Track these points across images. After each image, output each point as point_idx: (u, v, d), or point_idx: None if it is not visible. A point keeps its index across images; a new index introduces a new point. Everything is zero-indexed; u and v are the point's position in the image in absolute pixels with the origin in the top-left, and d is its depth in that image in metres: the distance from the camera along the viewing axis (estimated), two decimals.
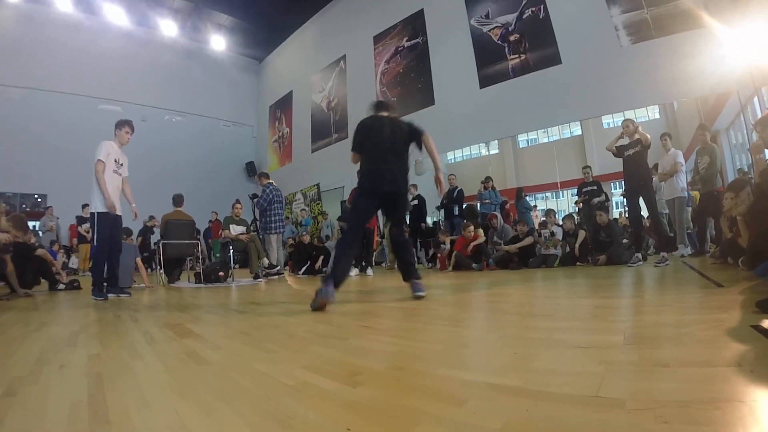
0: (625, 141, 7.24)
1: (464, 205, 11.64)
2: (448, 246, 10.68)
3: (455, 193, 11.48)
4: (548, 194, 17.49)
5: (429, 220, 13.84)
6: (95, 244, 6.31)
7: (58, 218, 15.93)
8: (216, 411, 1.37)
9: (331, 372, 1.79)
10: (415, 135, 4.68)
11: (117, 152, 6.43)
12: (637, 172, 6.96)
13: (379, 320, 3.18)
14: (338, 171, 10.74)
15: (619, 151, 7.27)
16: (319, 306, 3.74)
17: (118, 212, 6.36)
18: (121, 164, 6.50)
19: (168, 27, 20.83)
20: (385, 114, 4.82)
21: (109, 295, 6.16)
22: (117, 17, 19.63)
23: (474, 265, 9.06)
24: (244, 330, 3.01)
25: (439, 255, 10.71)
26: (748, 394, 1.25)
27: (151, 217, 13.51)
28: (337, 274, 4.08)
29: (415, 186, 12.26)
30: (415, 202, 11.84)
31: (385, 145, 4.54)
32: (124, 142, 6.56)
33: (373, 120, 4.76)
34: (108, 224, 6.23)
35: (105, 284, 6.25)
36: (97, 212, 6.14)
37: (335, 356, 2.13)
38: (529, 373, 1.63)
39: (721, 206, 6.73)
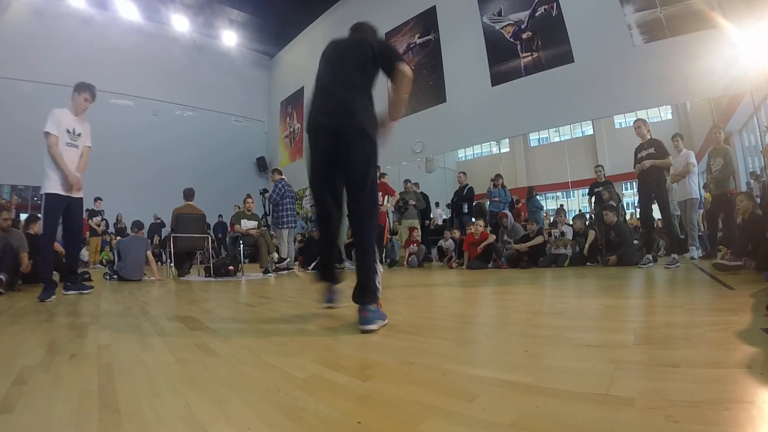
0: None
1: (474, 203, 11.63)
2: (450, 242, 10.71)
3: (465, 191, 11.46)
4: (559, 194, 17.42)
5: (439, 219, 13.81)
6: (42, 231, 5.37)
7: (88, 210, 16.01)
8: (226, 402, 1.38)
9: (342, 366, 1.81)
10: (384, 61, 3.24)
11: (71, 121, 5.57)
12: (651, 173, 6.91)
13: (389, 315, 3.18)
14: None
15: (636, 158, 7.21)
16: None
17: (77, 195, 5.49)
18: (78, 134, 5.60)
19: (179, 22, 20.77)
20: (350, 35, 3.72)
21: (70, 292, 5.52)
22: (128, 12, 19.63)
23: (489, 265, 9.07)
24: (254, 323, 3.03)
25: (446, 249, 10.76)
26: (758, 395, 1.26)
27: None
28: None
29: (416, 184, 12.26)
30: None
31: (332, 69, 3.36)
32: (80, 111, 5.73)
33: (330, 44, 3.62)
34: (59, 208, 5.33)
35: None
36: (46, 193, 5.23)
37: (345, 350, 2.15)
38: (539, 370, 1.64)
39: (734, 208, 6.71)
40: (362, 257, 2.88)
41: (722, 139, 8.18)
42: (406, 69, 3.13)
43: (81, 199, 5.61)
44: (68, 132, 5.46)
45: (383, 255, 10.44)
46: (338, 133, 2.94)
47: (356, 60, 3.20)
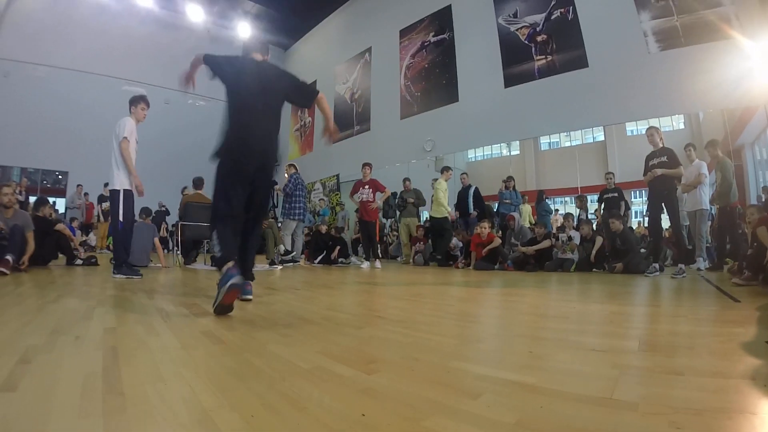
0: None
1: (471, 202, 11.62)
2: (456, 241, 10.73)
3: (469, 192, 11.45)
4: (568, 199, 17.36)
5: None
6: (121, 221, 6.15)
7: (87, 194, 16.07)
8: (230, 389, 1.39)
9: (346, 358, 1.81)
10: (304, 93, 3.78)
11: (135, 130, 6.39)
12: (663, 181, 6.87)
13: (394, 312, 3.19)
14: (359, 162, 10.73)
15: (647, 165, 7.17)
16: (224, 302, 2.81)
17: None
18: (137, 142, 6.49)
19: (194, 12, 20.76)
20: (258, 57, 3.73)
21: (118, 276, 5.96)
22: (144, 0, 19.73)
23: (495, 266, 9.08)
24: (260, 313, 3.04)
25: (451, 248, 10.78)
26: (760, 406, 1.26)
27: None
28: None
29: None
30: None
31: (256, 100, 3.43)
32: (141, 119, 6.50)
33: (243, 62, 3.71)
34: (132, 202, 6.27)
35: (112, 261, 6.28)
36: (123, 189, 6.10)
37: (350, 343, 2.16)
38: (544, 371, 1.64)
39: (736, 220, 6.68)
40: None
41: (719, 153, 8.18)
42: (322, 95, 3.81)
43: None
44: (136, 140, 6.40)
45: (379, 251, 10.48)
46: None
47: (279, 97, 3.60)
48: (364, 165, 10.08)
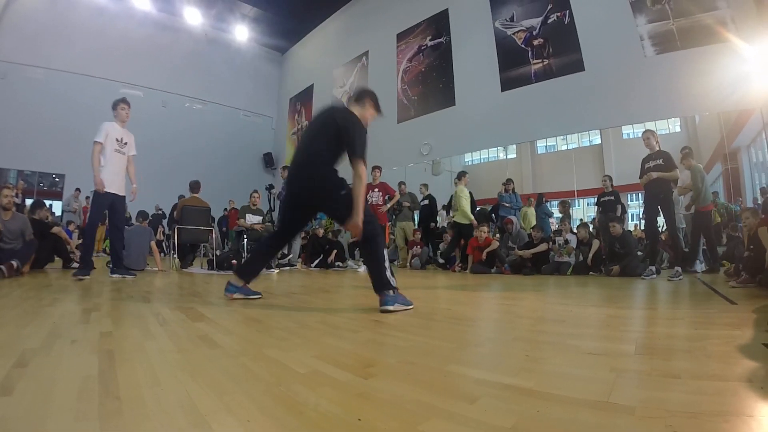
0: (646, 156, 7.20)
1: (477, 208, 11.61)
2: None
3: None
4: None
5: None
6: (87, 221, 6.49)
7: (87, 197, 16.05)
8: (227, 393, 1.38)
9: (343, 362, 1.81)
10: (346, 140, 3.58)
11: (119, 132, 6.48)
12: (658, 184, 6.89)
13: (391, 316, 3.18)
14: None
15: (643, 168, 7.19)
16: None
17: (120, 192, 6.51)
18: (125, 143, 6.57)
19: (192, 15, 20.83)
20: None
21: (114, 276, 6.33)
22: (142, 3, 19.76)
23: (492, 270, 9.07)
24: (256, 317, 3.02)
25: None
26: (757, 409, 1.26)
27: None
28: (245, 271, 4.21)
29: (426, 185, 12.25)
30: (426, 201, 11.86)
31: (302, 143, 3.78)
32: (124, 119, 6.60)
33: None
34: (102, 203, 6.33)
35: (110, 264, 6.38)
36: (93, 191, 6.29)
37: (347, 347, 2.16)
38: (541, 375, 1.64)
39: (711, 224, 6.72)
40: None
41: (691, 163, 8.22)
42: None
43: (123, 197, 6.63)
44: (117, 140, 6.42)
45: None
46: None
47: (319, 130, 3.77)
48: (374, 168, 9.99)
